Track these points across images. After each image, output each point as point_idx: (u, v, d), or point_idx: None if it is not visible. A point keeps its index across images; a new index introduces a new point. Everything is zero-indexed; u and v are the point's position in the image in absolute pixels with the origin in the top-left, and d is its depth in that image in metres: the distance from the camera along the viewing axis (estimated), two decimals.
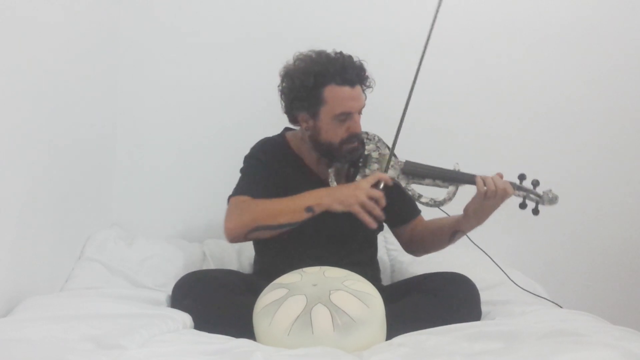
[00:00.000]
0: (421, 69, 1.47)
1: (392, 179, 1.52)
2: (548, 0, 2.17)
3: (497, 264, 1.67)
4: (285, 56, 1.60)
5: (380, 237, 1.96)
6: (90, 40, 1.79)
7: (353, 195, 1.43)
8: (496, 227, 1.64)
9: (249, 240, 1.51)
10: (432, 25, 1.45)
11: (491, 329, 1.20)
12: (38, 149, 1.40)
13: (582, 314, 1.38)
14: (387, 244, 1.99)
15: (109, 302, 1.33)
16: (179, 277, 1.49)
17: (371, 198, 1.43)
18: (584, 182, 2.22)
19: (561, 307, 1.60)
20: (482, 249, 1.63)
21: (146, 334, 1.13)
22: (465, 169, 1.53)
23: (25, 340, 1.03)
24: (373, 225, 1.44)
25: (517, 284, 1.65)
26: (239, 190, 1.57)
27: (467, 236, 1.60)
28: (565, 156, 2.21)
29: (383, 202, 1.44)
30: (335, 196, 1.45)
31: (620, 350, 0.99)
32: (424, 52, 1.47)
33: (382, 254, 1.95)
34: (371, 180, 1.46)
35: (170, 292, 1.49)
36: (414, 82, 1.47)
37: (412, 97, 1.47)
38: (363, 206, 1.42)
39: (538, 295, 1.68)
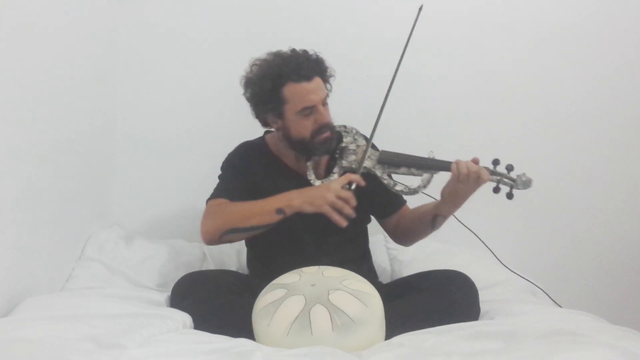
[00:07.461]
0: (400, 67, 1.55)
1: (370, 169, 1.54)
2: (550, 0, 2.17)
3: (499, 260, 1.67)
4: None
5: (380, 237, 1.97)
6: (89, 42, 1.79)
7: (322, 197, 1.44)
8: (496, 227, 1.64)
9: (224, 242, 1.54)
10: (412, 30, 1.53)
11: (490, 328, 1.19)
12: (38, 149, 1.41)
13: (581, 313, 1.38)
14: (387, 243, 1.99)
15: (109, 302, 1.33)
16: (178, 277, 1.49)
17: (340, 198, 1.44)
18: (585, 182, 2.21)
19: (561, 306, 1.60)
20: (486, 245, 1.63)
21: (146, 333, 1.13)
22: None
23: (25, 340, 1.03)
24: (343, 223, 1.44)
25: (518, 274, 1.66)
26: (216, 194, 1.60)
27: (475, 234, 1.61)
28: (566, 156, 2.21)
29: (353, 201, 1.45)
30: (304, 197, 1.46)
31: (620, 350, 1.00)
32: (403, 52, 1.54)
33: (382, 253, 1.95)
34: (341, 181, 1.48)
35: (170, 292, 1.50)
36: (393, 80, 1.54)
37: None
38: (332, 206, 1.44)
39: (541, 289, 1.68)
